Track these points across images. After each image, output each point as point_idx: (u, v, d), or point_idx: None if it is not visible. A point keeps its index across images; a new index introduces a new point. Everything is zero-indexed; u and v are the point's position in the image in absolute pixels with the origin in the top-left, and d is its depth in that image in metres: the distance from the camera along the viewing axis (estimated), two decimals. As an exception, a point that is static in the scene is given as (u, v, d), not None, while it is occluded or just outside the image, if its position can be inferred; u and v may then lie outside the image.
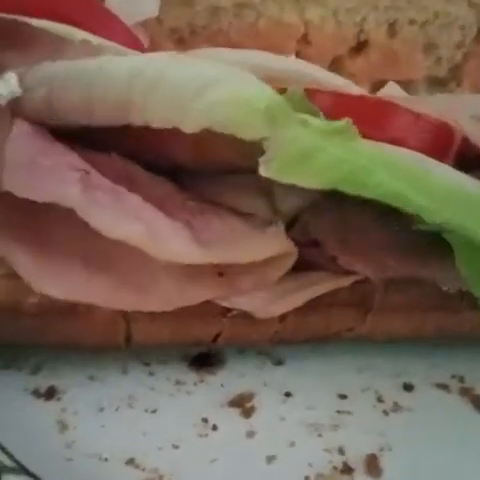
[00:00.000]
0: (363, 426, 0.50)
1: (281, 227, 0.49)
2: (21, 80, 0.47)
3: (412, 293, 0.52)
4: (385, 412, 0.52)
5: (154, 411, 0.51)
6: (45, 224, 0.47)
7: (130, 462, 0.47)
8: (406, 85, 0.62)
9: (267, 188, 0.52)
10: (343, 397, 0.52)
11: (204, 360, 0.55)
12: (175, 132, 0.44)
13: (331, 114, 0.43)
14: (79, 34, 0.50)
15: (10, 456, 0.46)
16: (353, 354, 0.55)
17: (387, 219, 0.49)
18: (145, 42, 0.57)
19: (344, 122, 0.42)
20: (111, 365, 0.54)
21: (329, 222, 0.51)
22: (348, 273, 0.50)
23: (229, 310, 0.50)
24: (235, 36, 0.59)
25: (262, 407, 0.51)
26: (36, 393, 0.51)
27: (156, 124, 0.43)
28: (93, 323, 0.50)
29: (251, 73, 0.44)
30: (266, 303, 0.49)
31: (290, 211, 0.51)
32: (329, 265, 0.50)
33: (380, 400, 0.52)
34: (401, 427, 0.50)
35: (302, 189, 0.52)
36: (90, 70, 0.45)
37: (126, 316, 0.50)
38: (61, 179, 0.45)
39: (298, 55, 0.60)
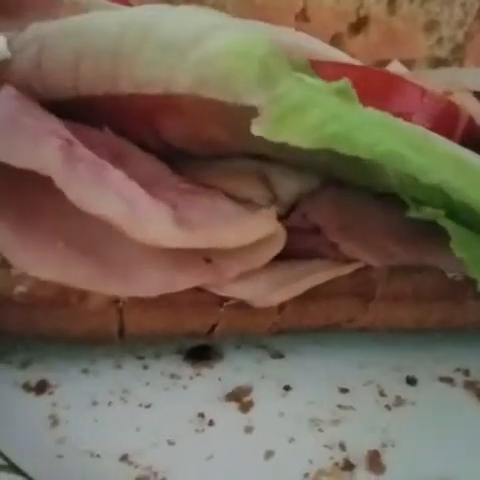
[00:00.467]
0: (365, 421, 0.49)
1: (273, 210, 0.47)
2: (10, 43, 0.46)
3: (415, 282, 0.50)
4: (388, 407, 0.50)
5: (148, 406, 0.49)
6: (29, 203, 0.45)
7: (123, 459, 0.45)
8: (407, 65, 0.61)
9: (265, 174, 0.51)
10: (344, 391, 0.51)
11: (201, 353, 0.53)
12: (167, 110, 0.42)
13: None
14: None
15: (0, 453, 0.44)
16: (355, 347, 0.54)
17: (389, 205, 0.48)
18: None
19: (343, 82, 0.40)
20: (104, 358, 0.52)
21: (329, 209, 0.50)
22: (349, 261, 0.49)
23: (226, 299, 0.48)
24: (231, 10, 0.57)
25: (260, 401, 0.50)
26: (26, 387, 0.50)
27: (145, 86, 0.41)
28: (85, 314, 0.48)
29: None
30: (264, 292, 0.48)
31: (289, 198, 0.50)
32: (329, 252, 0.49)
33: (382, 394, 0.51)
34: (404, 422, 0.49)
35: (301, 175, 0.51)
36: (80, 25, 0.43)
37: (118, 306, 0.48)
38: (41, 144, 0.42)
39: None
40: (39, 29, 0.46)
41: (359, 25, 0.61)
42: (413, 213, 0.42)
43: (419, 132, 0.42)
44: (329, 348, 0.54)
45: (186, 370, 0.52)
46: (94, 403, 0.49)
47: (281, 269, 0.48)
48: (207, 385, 0.51)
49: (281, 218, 0.49)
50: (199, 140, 0.48)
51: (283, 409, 0.49)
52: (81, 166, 0.43)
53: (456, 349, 0.54)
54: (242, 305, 0.48)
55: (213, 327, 0.51)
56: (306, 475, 0.45)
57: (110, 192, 0.43)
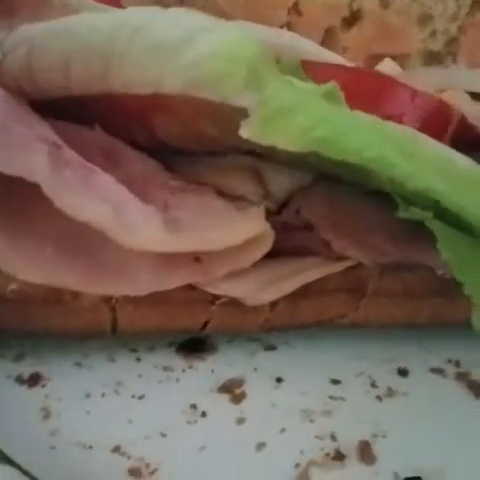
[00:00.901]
0: (356, 412, 0.49)
1: (262, 208, 0.47)
2: (0, 45, 0.46)
3: (407, 279, 0.51)
4: (379, 398, 0.50)
5: (141, 398, 0.49)
6: (18, 206, 0.45)
7: (116, 450, 0.46)
8: (401, 59, 0.61)
9: (258, 170, 0.51)
10: (336, 382, 0.51)
11: (193, 346, 0.53)
12: (159, 108, 0.42)
13: None
14: None
15: (-8, 445, 0.45)
16: (347, 339, 0.54)
17: (381, 203, 0.48)
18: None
19: (330, 85, 0.40)
20: (97, 352, 0.52)
21: (322, 206, 0.50)
22: (341, 258, 0.49)
23: (217, 297, 0.49)
24: (223, 4, 0.57)
25: (253, 393, 0.50)
26: (19, 380, 0.50)
27: (135, 86, 0.41)
28: (78, 311, 0.48)
29: None
30: (256, 290, 0.48)
31: (282, 194, 0.50)
32: (322, 250, 0.49)
33: (374, 385, 0.51)
34: (395, 413, 0.49)
35: (293, 171, 0.51)
36: (69, 26, 0.43)
37: (111, 304, 0.49)
38: (29, 151, 0.43)
39: (289, 26, 0.59)
40: (28, 30, 0.46)
41: (352, 19, 0.61)
42: (402, 213, 0.43)
43: (408, 135, 0.42)
44: (321, 340, 0.54)
45: (179, 362, 0.52)
46: (87, 395, 0.49)
47: (273, 267, 0.48)
48: (200, 377, 0.51)
49: (273, 214, 0.49)
50: (192, 137, 0.48)
51: (275, 401, 0.49)
52: (68, 172, 0.43)
53: (447, 341, 0.54)
54: (234, 303, 0.49)
55: (205, 324, 0.51)
56: (297, 465, 0.45)
57: (97, 197, 0.43)
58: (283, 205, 0.50)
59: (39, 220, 0.45)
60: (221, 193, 0.49)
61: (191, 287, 0.48)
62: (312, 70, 0.44)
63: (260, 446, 0.47)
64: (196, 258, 0.46)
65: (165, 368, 0.52)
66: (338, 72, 0.48)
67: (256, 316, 0.51)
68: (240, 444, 0.47)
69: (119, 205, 0.43)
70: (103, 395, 0.49)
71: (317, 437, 0.47)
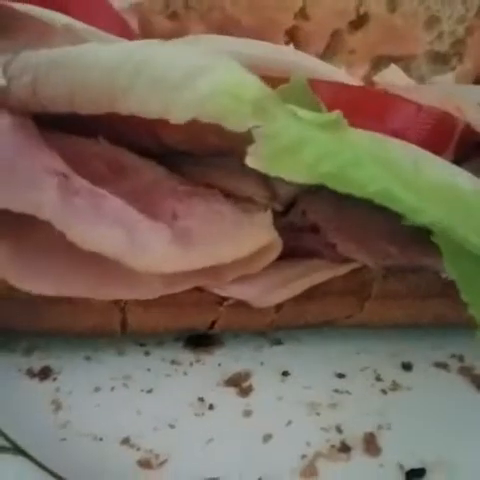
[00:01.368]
0: (361, 405, 0.50)
1: (269, 214, 0.48)
2: (5, 70, 0.46)
3: (410, 281, 0.51)
4: (383, 391, 0.51)
5: (150, 391, 0.50)
6: (24, 219, 0.45)
7: (125, 442, 0.47)
8: (407, 61, 0.61)
9: (265, 172, 0.51)
10: (341, 376, 0.52)
11: (201, 340, 0.54)
12: (167, 122, 0.42)
13: (331, 105, 0.42)
14: (62, 19, 0.49)
15: (5, 436, 0.45)
16: (352, 334, 0.55)
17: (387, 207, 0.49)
18: (135, 27, 0.56)
19: (334, 114, 0.41)
20: (107, 346, 0.53)
21: (328, 208, 0.50)
22: (346, 261, 0.50)
23: (225, 299, 0.50)
24: (230, 10, 0.58)
25: (259, 386, 0.51)
26: (30, 373, 0.51)
27: (141, 114, 0.42)
28: (88, 312, 0.49)
29: (247, 63, 0.43)
30: (263, 292, 0.49)
31: (288, 196, 0.51)
32: (327, 252, 0.50)
33: (378, 379, 0.52)
34: (400, 406, 0.50)
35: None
36: (74, 57, 0.44)
37: (121, 305, 0.49)
38: (37, 186, 0.43)
39: (296, 30, 0.59)
40: (32, 57, 0.46)
41: (359, 22, 0.61)
42: (408, 221, 0.42)
43: (411, 163, 0.42)
44: (327, 335, 0.55)
45: (187, 356, 0.53)
46: (96, 389, 0.50)
47: (279, 269, 0.49)
48: (207, 371, 0.52)
49: (280, 215, 0.50)
50: (198, 145, 0.49)
51: (281, 394, 0.50)
52: (78, 199, 0.43)
53: (451, 336, 0.55)
54: (241, 303, 0.49)
55: (213, 324, 0.52)
56: (303, 457, 0.46)
57: (108, 223, 0.43)
58: (289, 207, 0.51)
59: (47, 231, 0.45)
60: (228, 195, 0.50)
61: (199, 289, 0.48)
62: (317, 88, 0.44)
63: (267, 438, 0.47)
64: None
65: (173, 362, 0.52)
66: (343, 90, 0.49)
67: (263, 316, 0.51)
68: (247, 436, 0.47)
69: (130, 229, 0.44)
70: (112, 388, 0.50)
71: (323, 429, 0.48)
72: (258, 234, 0.47)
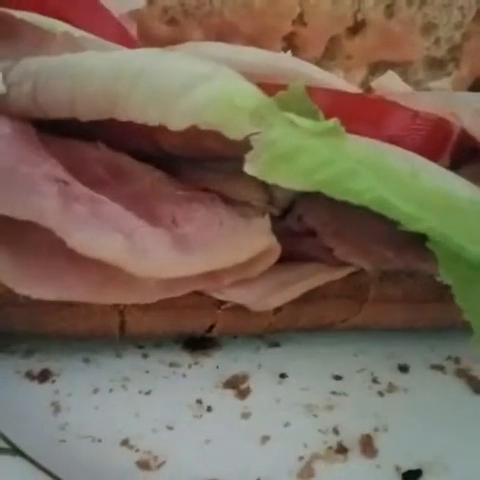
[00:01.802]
0: (358, 407, 0.50)
1: (267, 220, 0.48)
2: (5, 77, 0.46)
3: (407, 285, 0.52)
4: (380, 393, 0.51)
5: (148, 393, 0.50)
6: (24, 223, 0.45)
7: (124, 443, 0.47)
8: (404, 66, 0.61)
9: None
10: (338, 378, 0.52)
11: (199, 342, 0.54)
12: (163, 127, 0.43)
13: (328, 112, 0.43)
14: (61, 27, 0.49)
15: (4, 438, 0.46)
16: (348, 336, 0.55)
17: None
18: (134, 34, 0.56)
19: (332, 122, 0.41)
20: (105, 348, 0.53)
21: (325, 213, 0.50)
22: (343, 265, 0.50)
23: (224, 302, 0.50)
24: (229, 16, 0.58)
25: (257, 388, 0.51)
26: (29, 375, 0.51)
27: (140, 121, 0.42)
28: (88, 315, 0.50)
29: (245, 71, 0.44)
30: (261, 296, 0.49)
31: (285, 200, 0.51)
32: (324, 256, 0.50)
33: (375, 381, 0.52)
34: (396, 408, 0.50)
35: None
36: (73, 65, 0.44)
37: (120, 308, 0.50)
38: (38, 193, 0.43)
39: (294, 36, 0.60)
40: (32, 64, 0.46)
41: (356, 28, 0.62)
42: (404, 226, 0.43)
43: (407, 171, 0.43)
44: (324, 338, 0.55)
45: (185, 359, 0.53)
46: (95, 391, 0.50)
47: (277, 273, 0.49)
48: (205, 373, 0.52)
49: (277, 219, 0.50)
50: (198, 150, 0.49)
51: (279, 396, 0.51)
52: (78, 205, 0.44)
53: (447, 338, 0.55)
54: (239, 307, 0.50)
55: (211, 327, 0.52)
56: (301, 458, 0.46)
57: (108, 229, 0.44)
58: (287, 211, 0.51)
59: (47, 234, 0.45)
60: (226, 199, 0.50)
61: (198, 293, 0.49)
62: (316, 95, 0.45)
63: (264, 440, 0.48)
64: None
65: (171, 364, 0.53)
66: (341, 97, 0.49)
67: (260, 320, 0.52)
68: (245, 438, 0.48)
69: (129, 235, 0.44)
70: (111, 390, 0.50)
71: (320, 431, 0.48)
72: (257, 239, 0.48)
